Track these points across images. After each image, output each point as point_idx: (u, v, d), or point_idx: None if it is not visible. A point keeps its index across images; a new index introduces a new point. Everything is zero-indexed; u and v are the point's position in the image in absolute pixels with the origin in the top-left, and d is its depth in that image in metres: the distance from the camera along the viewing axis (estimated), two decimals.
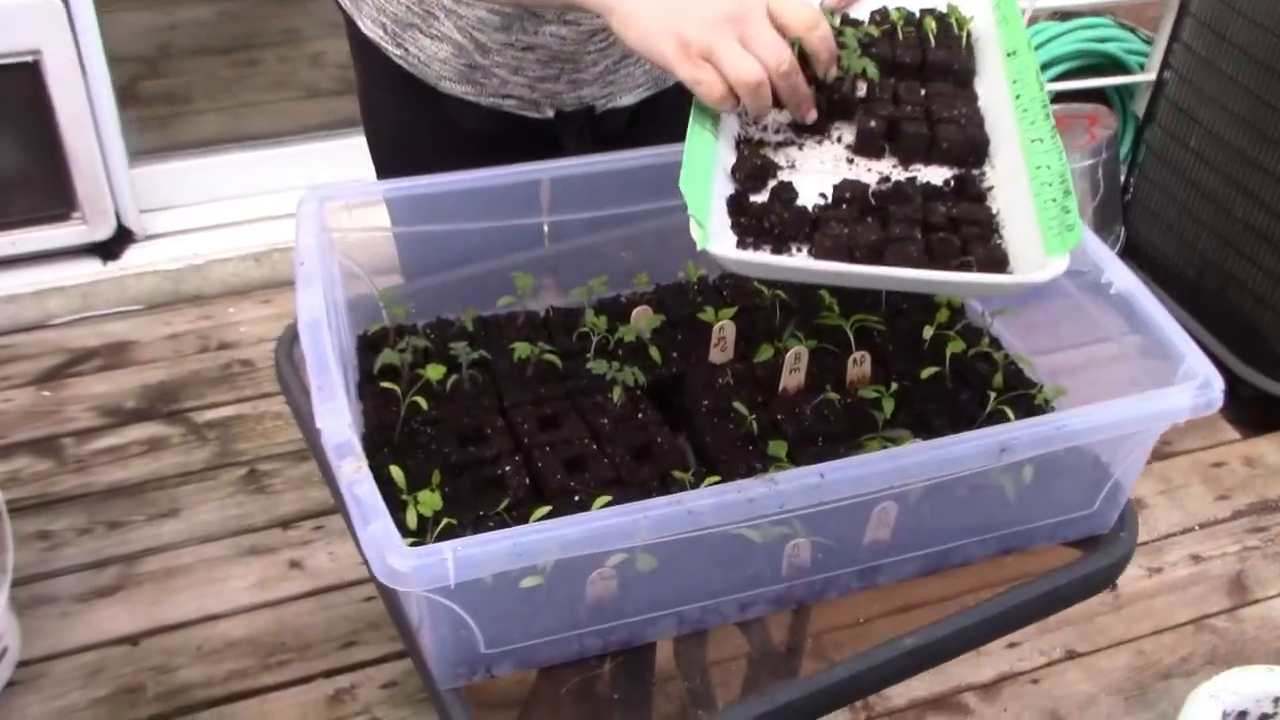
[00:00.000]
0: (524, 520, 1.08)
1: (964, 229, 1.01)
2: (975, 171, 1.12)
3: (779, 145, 1.14)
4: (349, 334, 1.31)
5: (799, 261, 0.98)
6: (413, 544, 0.92)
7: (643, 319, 1.30)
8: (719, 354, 1.29)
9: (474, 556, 0.90)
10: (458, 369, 1.25)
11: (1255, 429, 2.78)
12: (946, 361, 1.26)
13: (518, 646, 1.03)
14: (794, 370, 1.23)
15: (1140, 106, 3.16)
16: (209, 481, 2.49)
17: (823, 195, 1.08)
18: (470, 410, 1.23)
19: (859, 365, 1.26)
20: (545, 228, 1.37)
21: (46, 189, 2.85)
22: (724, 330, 1.27)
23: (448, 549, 0.90)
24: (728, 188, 1.08)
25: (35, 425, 2.60)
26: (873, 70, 1.15)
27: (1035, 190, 1.02)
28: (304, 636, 2.22)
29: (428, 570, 0.89)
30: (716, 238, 0.98)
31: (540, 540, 0.92)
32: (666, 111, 1.57)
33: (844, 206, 1.03)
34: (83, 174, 2.85)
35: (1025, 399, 1.24)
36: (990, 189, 1.10)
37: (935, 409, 1.24)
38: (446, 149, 1.52)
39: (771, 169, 1.09)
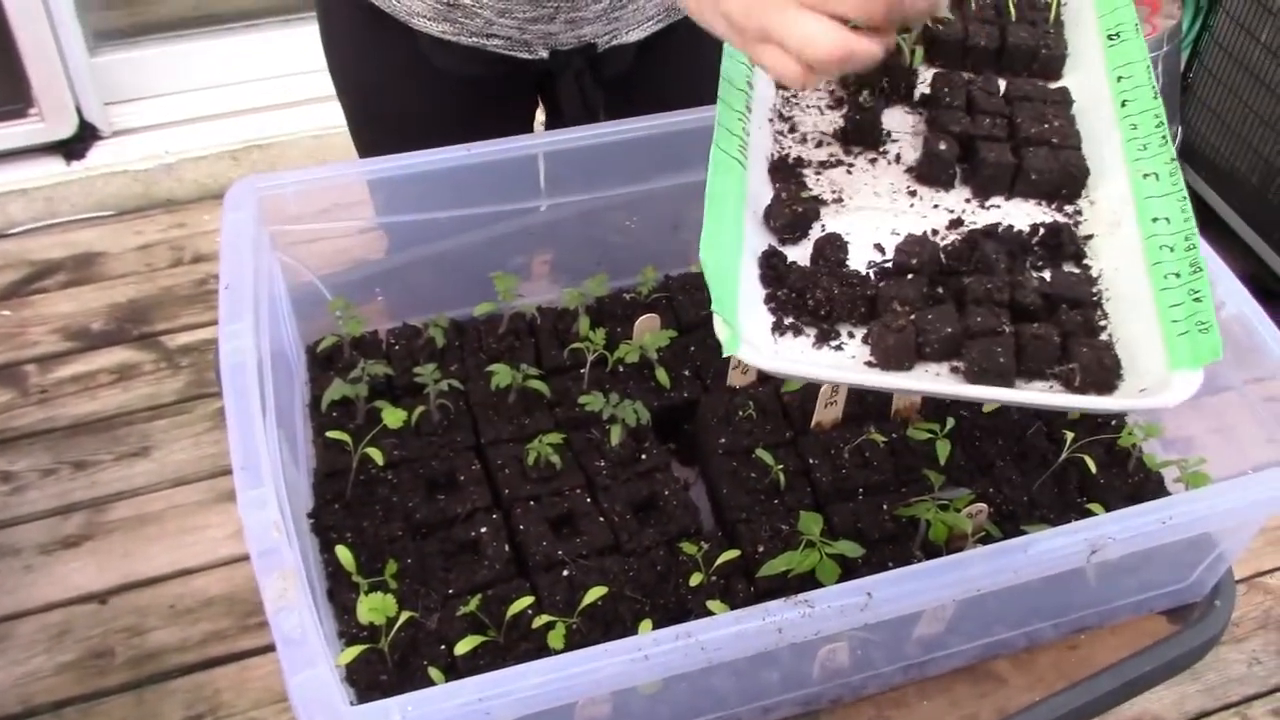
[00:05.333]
0: (503, 602, 0.90)
1: (1062, 314, 0.77)
2: (1070, 210, 0.87)
3: (823, 166, 0.89)
4: (297, 345, 1.10)
5: (858, 375, 0.74)
6: (360, 654, 0.82)
7: (647, 333, 1.08)
8: (739, 376, 1.07)
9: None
10: (426, 396, 1.04)
11: None
12: None
13: None
14: (830, 404, 1.02)
15: None
16: (183, 416, 2.30)
17: (879, 248, 0.83)
18: (440, 450, 1.03)
19: None
20: (543, 207, 1.14)
21: None
22: None
23: (396, 709, 0.72)
24: (760, 237, 0.82)
25: None
26: (918, 56, 0.93)
27: (1151, 256, 0.78)
28: None
29: None
30: (749, 334, 0.74)
31: (513, 696, 0.73)
32: (681, 46, 1.33)
33: (909, 276, 0.78)
34: (36, 63, 2.58)
35: (1107, 442, 1.03)
36: (1090, 238, 0.84)
37: (998, 450, 1.03)
38: (417, 93, 1.29)
39: (815, 214, 0.84)
